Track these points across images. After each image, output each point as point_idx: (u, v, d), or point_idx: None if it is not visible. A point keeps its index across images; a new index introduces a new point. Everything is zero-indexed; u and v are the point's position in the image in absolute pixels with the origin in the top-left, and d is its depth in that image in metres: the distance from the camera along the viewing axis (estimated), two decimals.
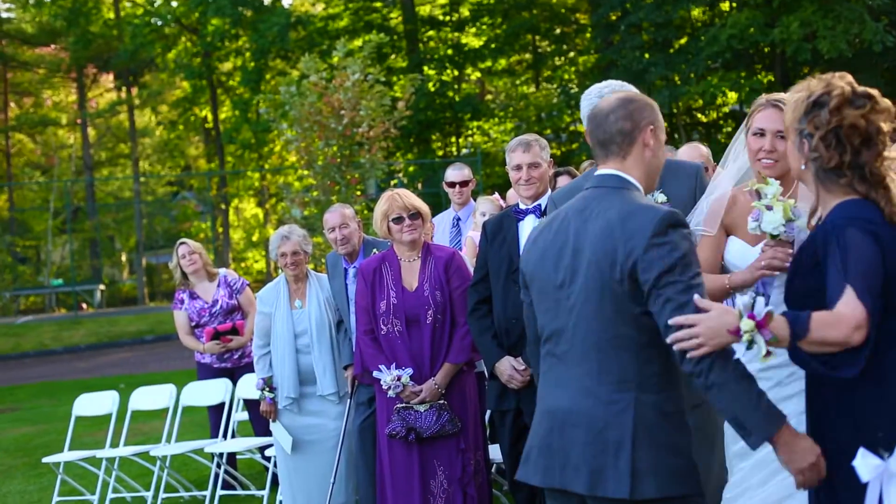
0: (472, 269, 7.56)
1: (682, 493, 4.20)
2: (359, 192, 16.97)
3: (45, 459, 11.90)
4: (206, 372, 11.24)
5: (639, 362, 4.23)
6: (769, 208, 4.75)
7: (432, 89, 36.42)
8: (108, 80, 52.81)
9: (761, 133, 4.93)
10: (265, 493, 10.29)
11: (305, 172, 17.31)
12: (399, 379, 7.25)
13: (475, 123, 40.07)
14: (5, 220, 48.33)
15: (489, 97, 42.99)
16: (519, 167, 7.03)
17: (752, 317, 3.91)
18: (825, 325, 3.91)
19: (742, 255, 4.93)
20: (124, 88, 49.73)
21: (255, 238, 48.68)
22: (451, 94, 38.13)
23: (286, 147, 17.85)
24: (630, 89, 5.63)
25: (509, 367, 6.95)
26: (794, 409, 4.58)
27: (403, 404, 7.34)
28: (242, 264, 47.89)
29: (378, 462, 7.62)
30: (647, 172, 4.43)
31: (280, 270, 9.27)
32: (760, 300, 3.95)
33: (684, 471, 4.22)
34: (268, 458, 10.33)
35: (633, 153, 4.40)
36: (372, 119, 16.55)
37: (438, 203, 35.14)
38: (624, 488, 4.15)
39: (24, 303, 47.26)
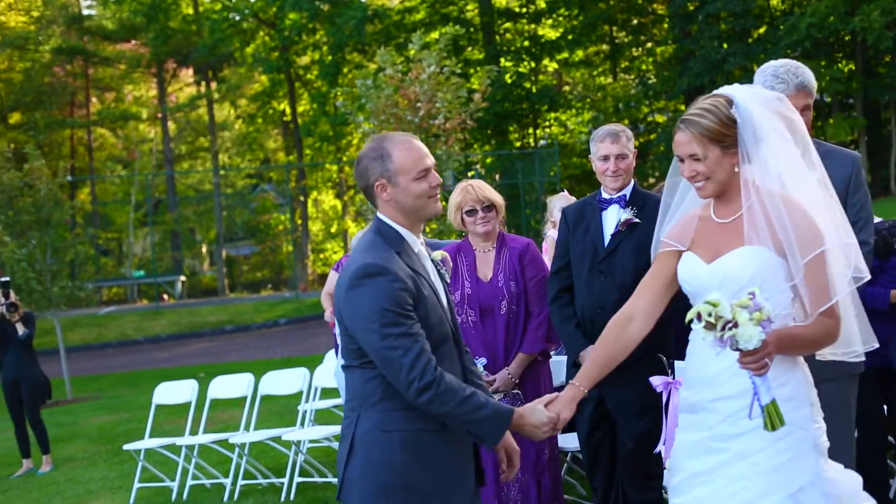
0: (549, 263, 7.54)
1: None
2: None
3: (126, 447, 12.10)
4: None
5: (364, 384, 4.67)
6: (734, 325, 4.13)
7: (509, 81, 36.37)
8: (187, 74, 53.36)
9: (680, 159, 4.71)
10: None
11: None
12: None
13: (552, 115, 39.99)
14: (88, 213, 49.01)
15: (566, 88, 42.86)
16: (606, 158, 6.95)
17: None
18: None
19: (694, 270, 4.66)
20: (203, 83, 50.27)
21: (333, 229, 48.99)
22: (528, 85, 38.05)
23: (363, 139, 17.94)
24: (799, 71, 5.89)
25: None
26: (745, 448, 4.46)
27: None
28: (321, 255, 48.23)
29: None
30: (402, 210, 4.75)
31: None
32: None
33: (392, 487, 4.57)
34: None
35: (379, 203, 4.77)
36: (448, 111, 16.58)
37: (516, 194, 35.17)
38: (339, 494, 4.73)
39: (107, 294, 47.90)
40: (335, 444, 11.48)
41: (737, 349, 4.14)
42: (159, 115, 50.23)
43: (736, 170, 4.57)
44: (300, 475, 10.72)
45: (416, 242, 4.80)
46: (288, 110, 45.94)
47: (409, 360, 4.45)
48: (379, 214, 4.79)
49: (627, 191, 6.96)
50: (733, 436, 4.44)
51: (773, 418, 4.25)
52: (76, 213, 34.71)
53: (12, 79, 49.70)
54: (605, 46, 40.34)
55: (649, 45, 38.87)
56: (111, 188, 55.89)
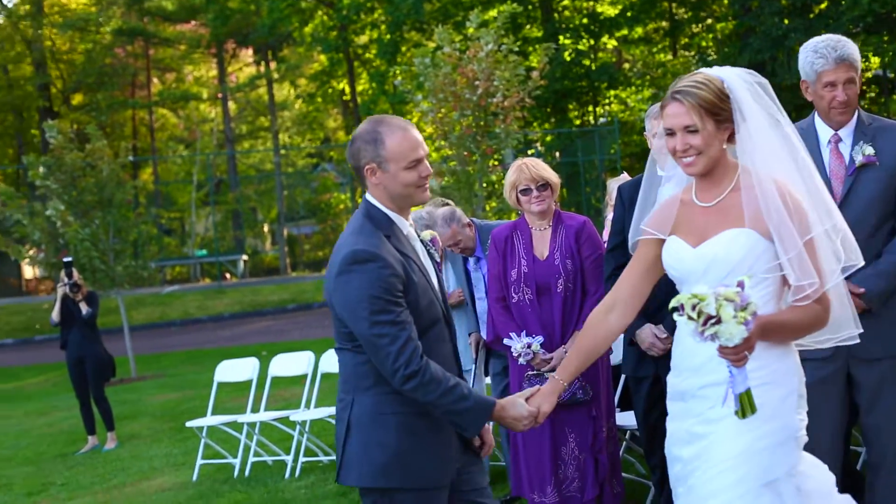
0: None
1: (383, 486, 4.71)
2: (495, 162, 17.03)
3: (189, 424, 12.25)
4: None
5: (356, 367, 4.77)
6: (718, 321, 3.99)
7: (568, 58, 36.20)
8: (247, 54, 53.65)
9: (670, 132, 4.53)
10: None
11: (442, 143, 17.41)
12: (529, 346, 7.25)
13: (612, 92, 39.79)
14: (151, 193, 49.43)
15: (626, 65, 42.62)
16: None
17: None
18: None
19: (680, 255, 4.54)
20: (263, 63, 50.46)
21: None
22: (587, 62, 37.87)
23: (423, 118, 17.98)
24: (839, 45, 5.91)
25: (650, 335, 6.86)
26: (727, 431, 4.37)
27: (534, 372, 7.35)
28: None
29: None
30: (390, 196, 4.79)
31: None
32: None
33: (389, 467, 4.68)
34: None
35: (369, 185, 4.83)
36: (506, 89, 16.58)
37: (576, 172, 35.08)
38: (339, 476, 4.84)
39: (170, 273, 48.35)
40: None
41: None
42: (219, 96, 50.54)
43: (724, 147, 4.48)
44: None
45: (406, 224, 4.86)
46: (347, 89, 46.01)
47: (396, 349, 4.54)
48: (368, 197, 4.85)
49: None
50: (716, 419, 4.37)
51: (744, 406, 4.16)
52: (139, 193, 35.03)
53: (74, 60, 50.22)
54: (664, 23, 40.03)
55: (709, 21, 38.52)
56: (173, 168, 56.34)
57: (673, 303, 4.06)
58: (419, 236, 5.00)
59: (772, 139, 4.45)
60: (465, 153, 16.75)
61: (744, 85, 4.45)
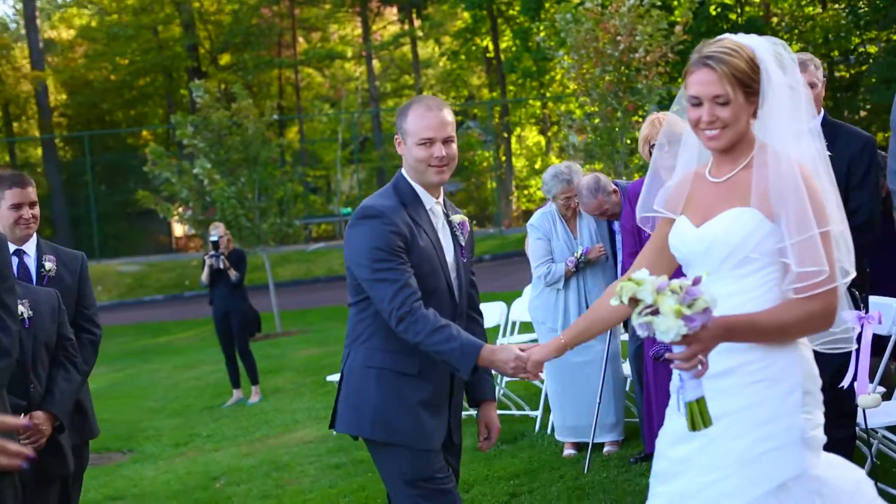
0: None
1: (371, 437, 4.99)
2: (638, 119, 16.87)
3: (329, 378, 12.44)
4: None
5: (355, 323, 5.15)
6: (654, 313, 3.62)
7: (714, 13, 35.63)
8: (391, 13, 53.77)
9: (696, 102, 4.07)
10: (538, 413, 10.48)
11: (585, 99, 17.29)
12: None
13: None
14: (297, 152, 49.96)
15: (774, 20, 41.78)
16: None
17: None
18: None
19: (684, 236, 4.17)
20: (407, 21, 50.55)
21: (537, 166, 48.93)
22: (733, 17, 37.22)
23: (565, 74, 17.89)
24: None
25: None
26: (724, 433, 3.95)
27: None
28: (525, 192, 48.30)
29: (645, 383, 7.66)
30: (410, 168, 5.08)
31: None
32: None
33: (372, 421, 4.96)
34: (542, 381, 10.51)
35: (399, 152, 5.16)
36: (648, 44, 16.40)
37: None
38: (331, 423, 5.17)
39: (316, 230, 48.90)
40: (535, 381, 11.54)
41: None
42: (364, 54, 50.79)
43: (751, 121, 4.08)
44: (498, 408, 10.82)
45: (430, 200, 5.13)
46: (491, 46, 45.95)
47: (392, 291, 4.83)
48: (403, 167, 5.16)
49: (817, 121, 6.74)
50: (712, 418, 3.88)
51: (695, 417, 3.75)
52: (285, 152, 35.46)
53: (221, 21, 50.96)
54: None
55: None
56: (319, 126, 56.90)
57: (617, 289, 3.74)
58: (448, 218, 5.21)
59: (798, 119, 4.09)
60: (608, 109, 16.63)
61: (773, 57, 4.07)
